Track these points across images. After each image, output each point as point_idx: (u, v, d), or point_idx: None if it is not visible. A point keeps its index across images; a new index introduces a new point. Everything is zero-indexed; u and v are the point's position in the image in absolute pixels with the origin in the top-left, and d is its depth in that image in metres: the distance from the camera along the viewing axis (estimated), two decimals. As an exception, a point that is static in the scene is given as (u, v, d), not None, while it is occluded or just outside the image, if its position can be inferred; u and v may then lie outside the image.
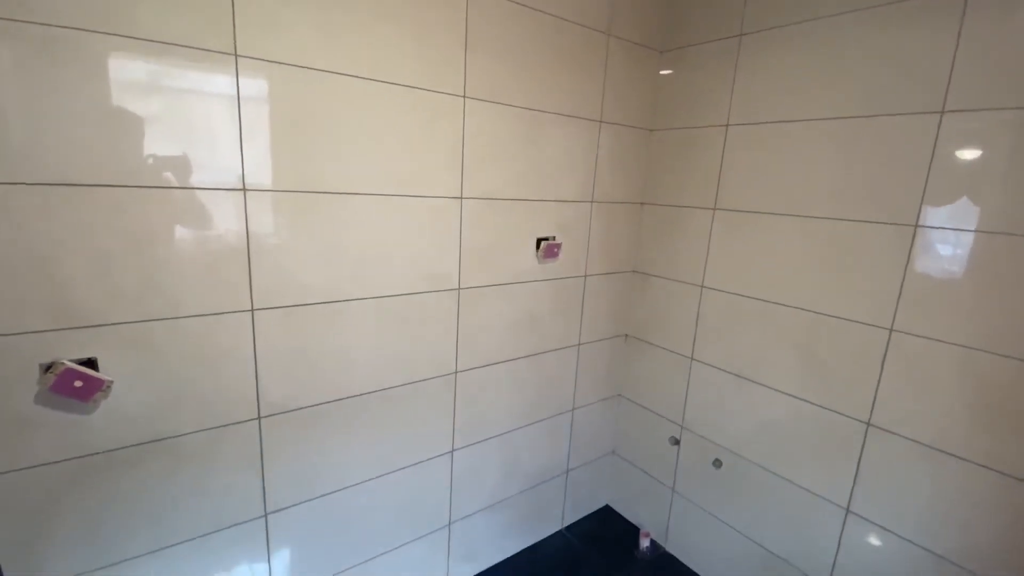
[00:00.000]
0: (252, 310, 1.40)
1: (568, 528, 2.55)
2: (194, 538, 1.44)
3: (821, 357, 1.78)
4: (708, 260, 2.11)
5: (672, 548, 2.42)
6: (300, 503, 1.61)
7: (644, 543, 2.42)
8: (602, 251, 2.26)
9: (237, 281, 1.36)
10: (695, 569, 2.31)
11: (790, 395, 1.88)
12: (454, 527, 2.06)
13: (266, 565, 1.58)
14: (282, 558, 1.62)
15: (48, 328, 1.14)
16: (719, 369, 2.11)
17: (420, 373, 1.79)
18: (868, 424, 1.69)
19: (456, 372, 1.89)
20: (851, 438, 1.73)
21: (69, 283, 1.15)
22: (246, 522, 1.52)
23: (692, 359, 2.22)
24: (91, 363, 1.19)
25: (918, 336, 1.55)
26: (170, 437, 1.35)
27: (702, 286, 2.14)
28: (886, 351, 1.62)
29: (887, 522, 1.67)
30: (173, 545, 1.41)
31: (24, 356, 1.13)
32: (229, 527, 1.49)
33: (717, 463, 2.15)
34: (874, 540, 1.70)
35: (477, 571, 2.21)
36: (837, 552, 1.79)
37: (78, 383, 1.16)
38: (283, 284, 1.44)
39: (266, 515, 1.55)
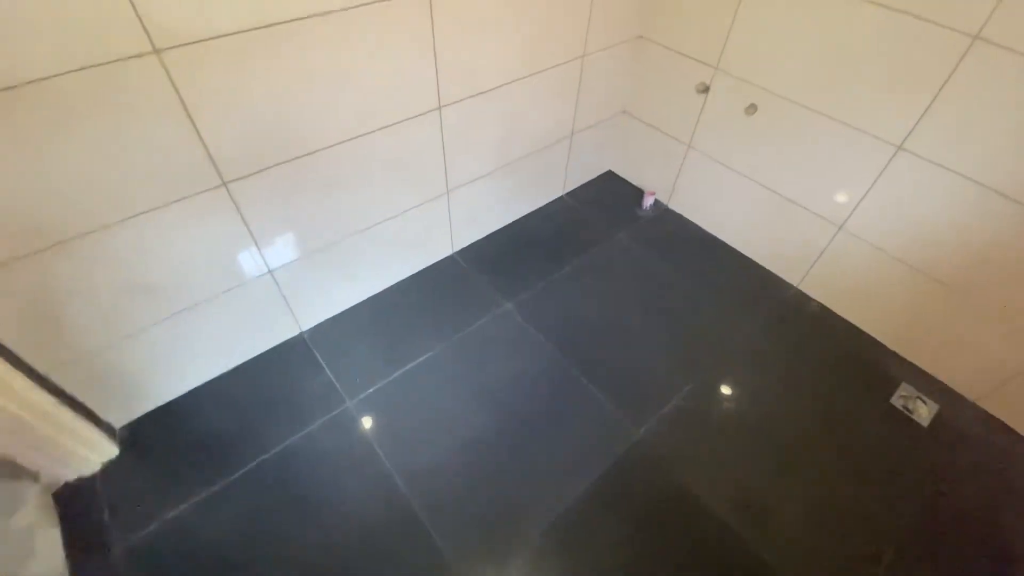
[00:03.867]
0: None
1: (570, 194, 2.44)
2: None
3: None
4: None
5: (676, 206, 2.37)
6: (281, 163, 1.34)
7: (648, 201, 2.35)
8: None
9: None
10: (699, 223, 2.31)
11: (881, 3, 1.41)
12: (452, 194, 1.89)
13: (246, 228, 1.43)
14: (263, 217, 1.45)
15: None
16: (789, -24, 1.56)
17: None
18: (976, 37, 1.29)
19: (432, -10, 1.35)
20: (945, 55, 1.36)
21: None
22: (207, 191, 1.27)
23: (752, -33, 1.63)
24: None
25: None
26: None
27: None
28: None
29: (944, 159, 1.48)
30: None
31: None
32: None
33: (751, 108, 1.84)
34: (921, 175, 1.55)
35: (478, 236, 2.18)
36: (871, 187, 1.67)
37: None
38: None
39: (224, 184, 1.29)
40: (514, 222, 2.27)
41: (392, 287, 1.97)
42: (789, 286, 2.09)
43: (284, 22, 1.14)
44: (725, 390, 1.74)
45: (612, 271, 2.10)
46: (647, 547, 1.39)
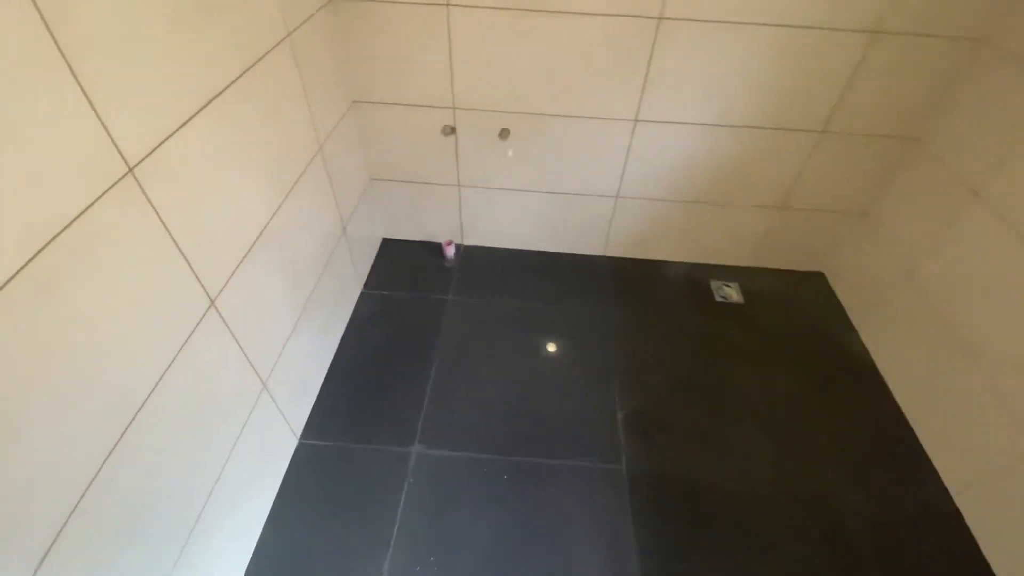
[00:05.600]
0: None
1: (366, 286, 2.12)
2: None
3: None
4: None
5: (476, 241, 2.32)
6: None
7: (449, 251, 2.22)
8: None
9: None
10: (504, 246, 2.32)
11: (579, 12, 1.56)
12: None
13: None
14: None
15: None
16: (492, 7, 1.57)
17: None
18: (660, 18, 1.55)
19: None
20: (643, 39, 1.60)
21: None
22: None
23: (448, 4, 1.58)
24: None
25: None
26: None
27: None
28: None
29: (670, 116, 1.79)
30: None
31: None
32: None
33: (505, 132, 1.87)
34: (659, 134, 1.84)
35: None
36: (627, 158, 1.92)
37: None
38: None
39: None
40: (337, 350, 1.86)
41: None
42: (599, 257, 2.31)
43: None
44: (613, 346, 1.85)
45: (470, 329, 1.94)
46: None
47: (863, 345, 1.98)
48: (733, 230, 2.17)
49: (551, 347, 1.92)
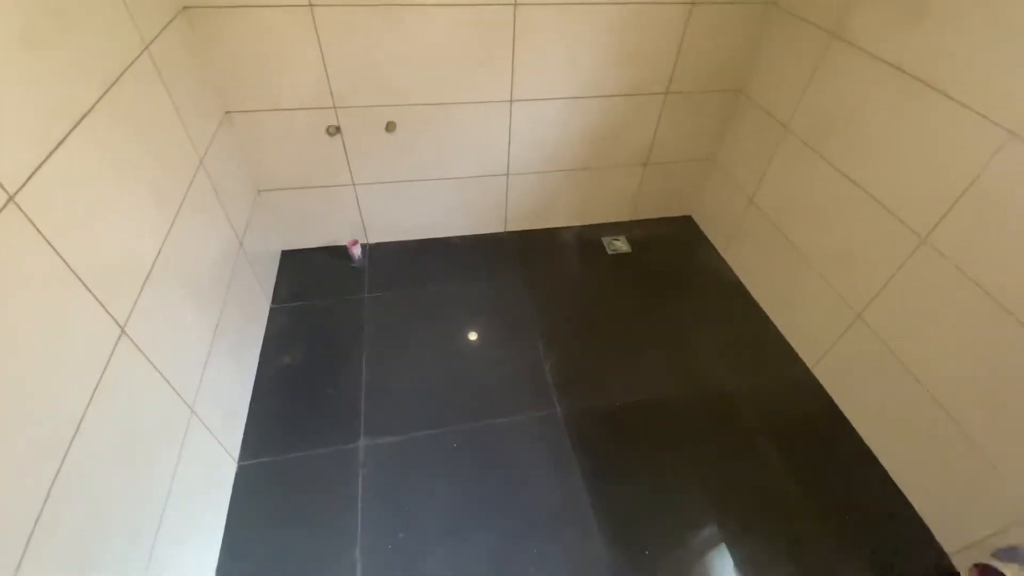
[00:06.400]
0: None
1: (274, 303, 2.07)
2: None
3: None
4: None
5: (380, 237, 2.34)
6: None
7: (356, 251, 2.23)
8: None
9: None
10: (411, 238, 2.37)
11: (438, 3, 1.66)
12: (196, 405, 1.35)
13: None
14: None
15: None
16: (356, 5, 1.61)
17: None
18: (516, 4, 1.71)
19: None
20: (504, 25, 1.75)
21: None
22: None
23: (311, 5, 1.59)
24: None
25: None
26: None
27: None
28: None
29: (543, 94, 1.96)
30: None
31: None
32: None
33: (391, 126, 1.92)
34: (536, 111, 2.01)
35: (244, 415, 1.66)
36: (510, 136, 2.07)
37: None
38: None
39: None
40: (257, 369, 1.81)
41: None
42: (502, 234, 2.45)
43: None
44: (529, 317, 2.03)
45: (391, 321, 1.99)
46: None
47: (728, 267, 2.35)
48: (612, 190, 2.43)
49: (473, 323, 2.04)
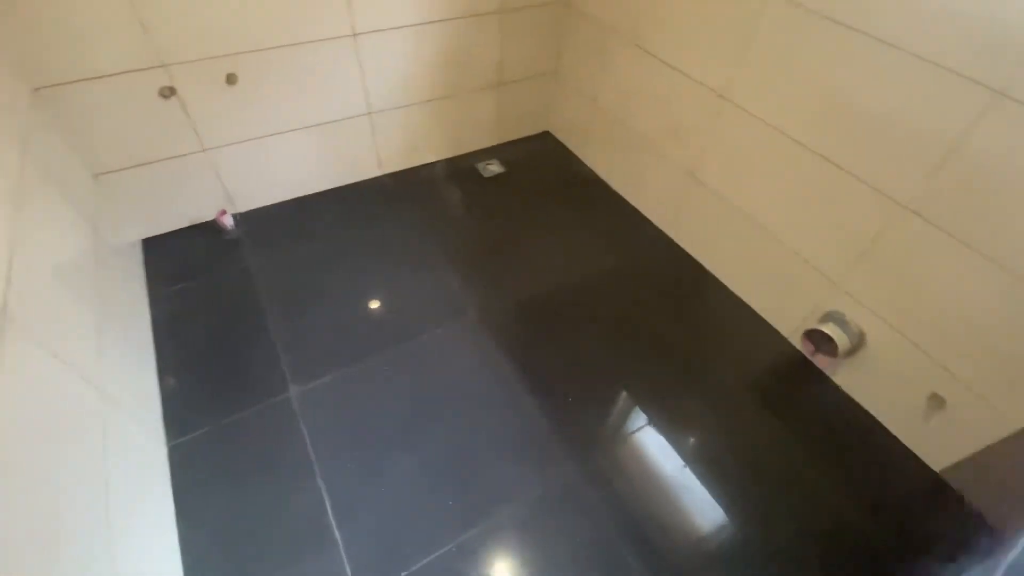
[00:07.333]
0: None
1: (150, 289, 1.92)
2: None
3: None
4: None
5: (251, 203, 2.24)
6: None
7: (227, 221, 2.12)
8: None
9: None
10: (283, 198, 2.30)
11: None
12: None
13: None
14: None
15: None
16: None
17: None
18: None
19: None
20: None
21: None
22: None
23: (104, -49, 1.44)
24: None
25: None
26: None
27: None
28: None
29: (388, 23, 1.98)
30: None
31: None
32: None
33: (232, 78, 1.82)
34: (380, 43, 2.03)
35: None
36: (362, 72, 2.07)
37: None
38: None
39: None
40: (156, 356, 1.72)
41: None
42: (379, 177, 2.47)
43: None
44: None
45: (285, 278, 1.97)
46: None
47: (588, 167, 2.63)
48: (475, 117, 2.54)
49: (372, 263, 2.08)
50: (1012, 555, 0.97)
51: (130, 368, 1.52)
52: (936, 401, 1.53)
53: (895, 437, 1.66)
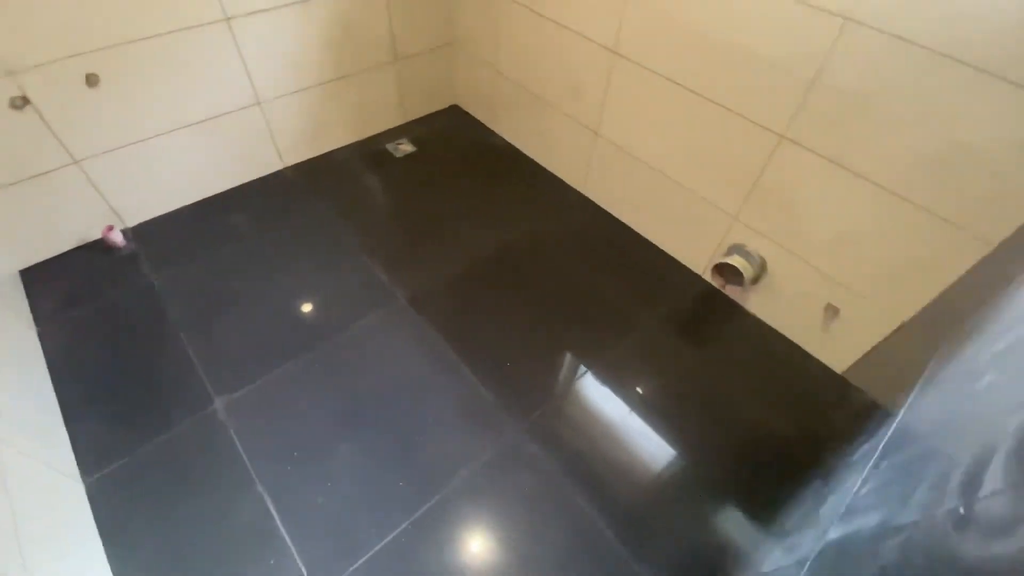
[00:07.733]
0: None
1: (38, 323, 1.75)
2: None
3: None
4: None
5: (140, 216, 2.06)
6: None
7: (116, 237, 1.95)
8: None
9: None
10: (178, 206, 2.13)
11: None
12: None
13: None
14: None
15: None
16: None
17: None
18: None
19: None
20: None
21: None
22: None
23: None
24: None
25: None
26: None
27: None
28: None
29: (257, 6, 1.85)
30: None
31: None
32: None
33: (93, 79, 1.65)
34: (259, 25, 1.90)
35: None
36: (245, 63, 1.94)
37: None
38: None
39: None
40: (55, 390, 1.57)
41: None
42: (282, 171, 2.35)
43: None
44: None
45: (194, 290, 1.86)
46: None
47: (498, 136, 2.64)
48: (377, 97, 2.46)
49: (287, 262, 1.99)
50: (895, 422, 1.11)
51: (26, 410, 1.39)
52: (831, 311, 1.69)
53: (804, 350, 1.83)
